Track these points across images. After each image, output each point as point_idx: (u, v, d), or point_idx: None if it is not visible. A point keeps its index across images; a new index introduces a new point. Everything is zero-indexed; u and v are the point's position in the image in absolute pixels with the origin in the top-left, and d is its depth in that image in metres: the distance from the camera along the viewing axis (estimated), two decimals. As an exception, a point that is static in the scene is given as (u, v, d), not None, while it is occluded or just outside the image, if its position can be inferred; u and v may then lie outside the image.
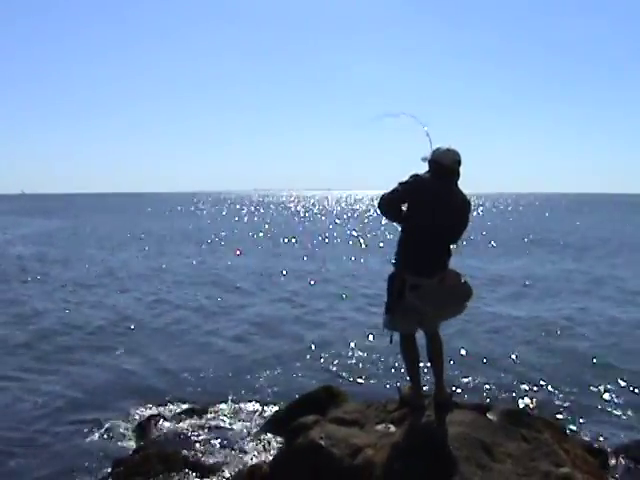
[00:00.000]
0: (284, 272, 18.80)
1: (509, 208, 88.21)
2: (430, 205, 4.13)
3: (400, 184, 4.15)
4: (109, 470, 5.42)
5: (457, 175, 4.24)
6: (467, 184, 4.36)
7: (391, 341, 4.41)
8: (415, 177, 4.15)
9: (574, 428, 6.41)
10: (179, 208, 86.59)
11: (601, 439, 6.15)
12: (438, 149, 4.24)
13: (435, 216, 4.13)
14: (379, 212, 4.28)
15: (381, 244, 27.73)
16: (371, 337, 10.02)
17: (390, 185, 4.21)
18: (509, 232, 37.22)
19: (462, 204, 4.28)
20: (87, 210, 77.45)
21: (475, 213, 63.56)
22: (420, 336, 4.48)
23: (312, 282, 16.87)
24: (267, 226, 43.14)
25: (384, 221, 4.34)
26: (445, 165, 4.17)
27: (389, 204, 4.20)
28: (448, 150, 4.21)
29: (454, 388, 7.16)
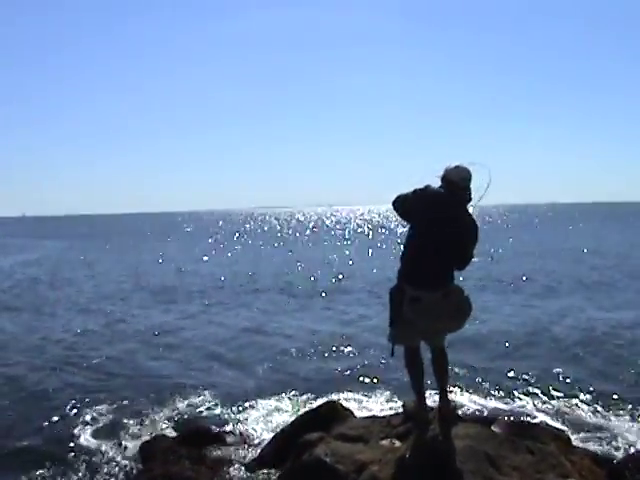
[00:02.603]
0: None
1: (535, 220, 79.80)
2: (434, 216, 4.21)
3: (413, 191, 4.33)
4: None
5: (467, 193, 4.30)
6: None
7: (392, 354, 4.40)
8: (427, 187, 4.30)
9: (581, 438, 6.35)
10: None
11: (609, 449, 6.10)
12: (449, 166, 4.34)
13: (438, 228, 4.18)
14: (392, 208, 4.50)
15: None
16: (374, 350, 9.98)
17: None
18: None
19: (469, 224, 4.32)
20: (103, 232, 76.73)
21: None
22: (426, 349, 4.47)
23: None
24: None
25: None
26: (453, 182, 4.25)
27: (399, 202, 4.43)
28: (457, 167, 4.30)
29: (459, 398, 7.12)
